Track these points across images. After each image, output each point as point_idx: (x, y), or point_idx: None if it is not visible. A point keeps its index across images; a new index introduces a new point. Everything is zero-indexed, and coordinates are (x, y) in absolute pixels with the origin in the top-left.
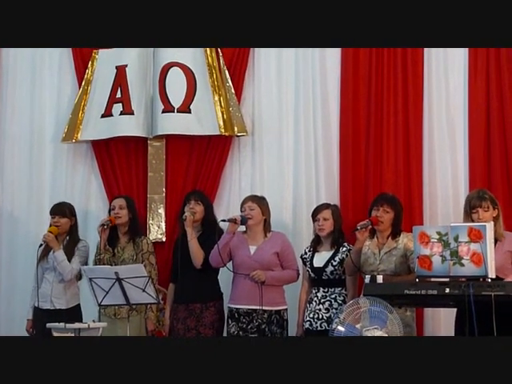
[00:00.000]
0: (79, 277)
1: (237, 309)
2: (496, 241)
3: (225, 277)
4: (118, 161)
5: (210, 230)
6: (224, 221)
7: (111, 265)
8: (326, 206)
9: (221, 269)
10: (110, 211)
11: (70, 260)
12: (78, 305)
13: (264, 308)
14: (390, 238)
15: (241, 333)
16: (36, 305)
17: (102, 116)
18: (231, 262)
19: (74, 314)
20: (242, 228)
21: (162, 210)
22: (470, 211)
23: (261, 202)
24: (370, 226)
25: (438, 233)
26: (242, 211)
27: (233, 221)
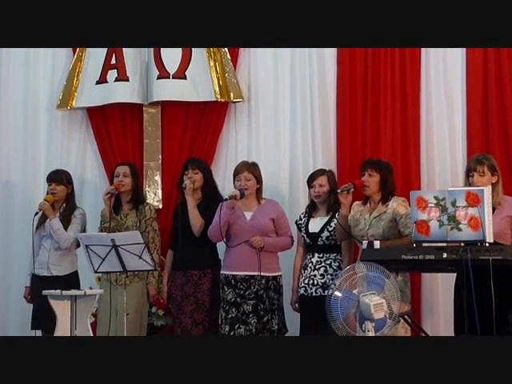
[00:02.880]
0: (78, 244)
1: (233, 275)
2: (494, 209)
3: (223, 244)
4: (114, 128)
5: (209, 197)
6: (226, 200)
7: (115, 232)
8: (321, 172)
9: None
10: (112, 179)
11: (66, 227)
12: (76, 272)
13: (262, 274)
14: (380, 203)
15: (238, 299)
16: (33, 272)
17: (97, 83)
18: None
19: (71, 280)
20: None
21: (158, 177)
22: (467, 174)
23: (255, 170)
24: (353, 189)
25: (436, 197)
26: (236, 180)
27: (233, 198)
